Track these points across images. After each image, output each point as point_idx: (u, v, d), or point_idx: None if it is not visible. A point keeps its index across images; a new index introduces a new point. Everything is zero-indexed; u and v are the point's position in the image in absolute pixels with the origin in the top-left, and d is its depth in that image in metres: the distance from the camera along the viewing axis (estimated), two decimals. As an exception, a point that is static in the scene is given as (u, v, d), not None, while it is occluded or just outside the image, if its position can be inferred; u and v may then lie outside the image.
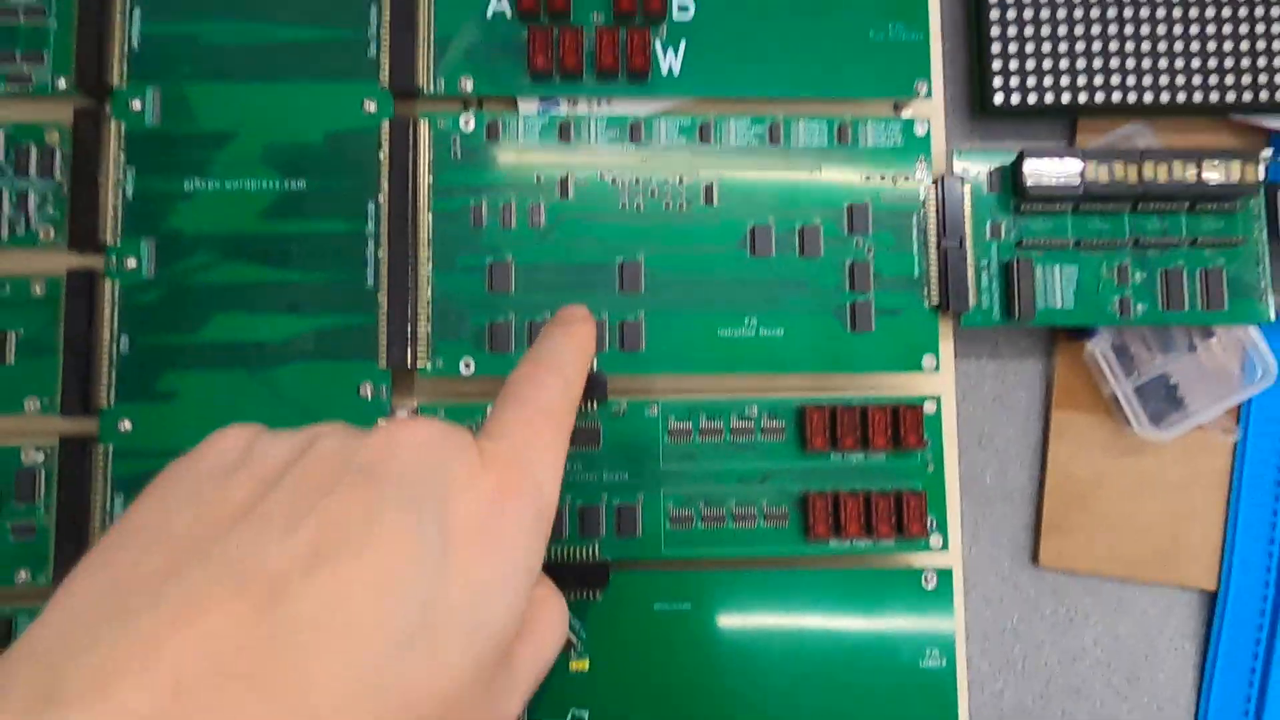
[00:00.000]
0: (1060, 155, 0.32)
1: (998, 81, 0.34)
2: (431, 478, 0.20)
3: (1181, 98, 0.35)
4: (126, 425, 0.30)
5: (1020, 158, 0.32)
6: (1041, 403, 0.36)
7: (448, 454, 0.20)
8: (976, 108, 0.36)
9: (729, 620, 0.31)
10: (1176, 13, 0.35)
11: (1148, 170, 0.33)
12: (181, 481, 0.20)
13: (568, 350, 0.25)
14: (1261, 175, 0.33)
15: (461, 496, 0.20)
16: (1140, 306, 0.33)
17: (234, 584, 0.17)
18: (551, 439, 0.23)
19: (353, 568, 0.18)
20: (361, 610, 0.18)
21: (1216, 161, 0.32)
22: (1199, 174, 0.33)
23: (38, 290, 0.31)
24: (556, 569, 0.28)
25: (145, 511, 0.19)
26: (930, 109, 0.34)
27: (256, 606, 0.17)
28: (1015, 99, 0.34)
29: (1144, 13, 0.34)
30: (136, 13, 0.32)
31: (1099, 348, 0.34)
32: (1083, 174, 0.32)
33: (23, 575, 0.30)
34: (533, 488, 0.21)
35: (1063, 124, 0.36)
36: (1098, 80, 0.34)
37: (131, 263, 0.31)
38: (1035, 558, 0.35)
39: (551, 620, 0.23)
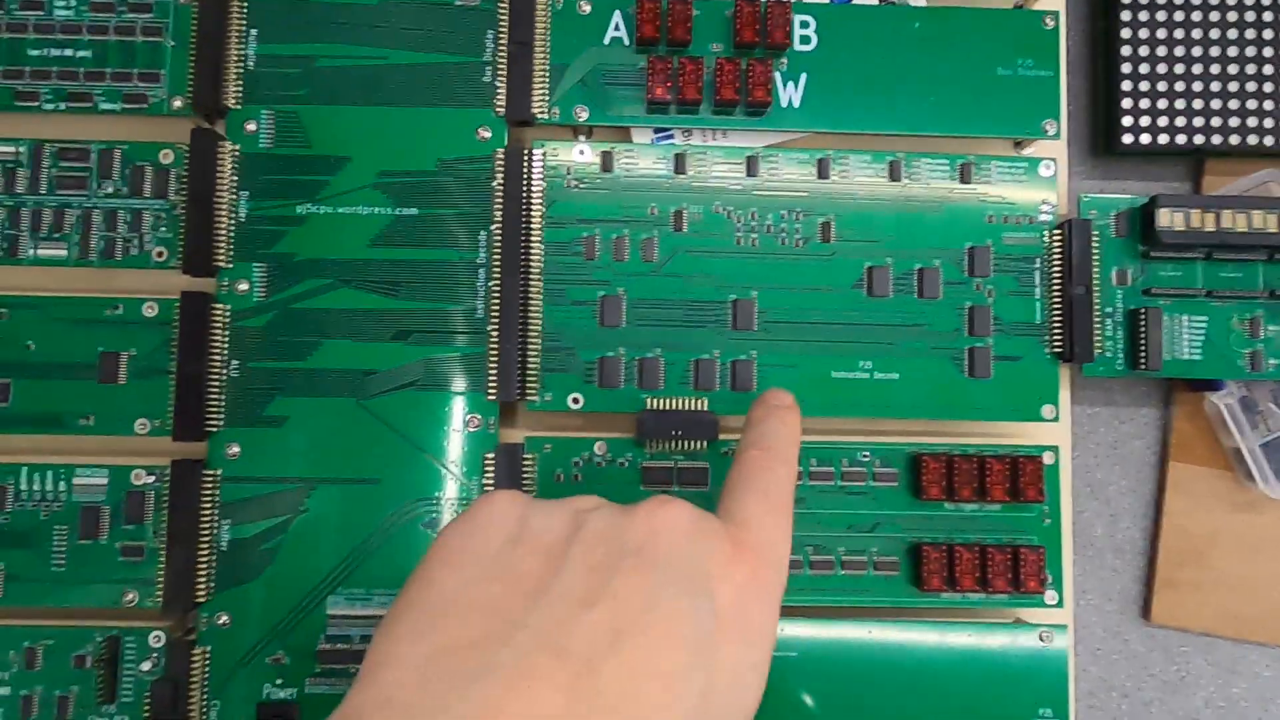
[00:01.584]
0: (1196, 204, 0.31)
1: (1127, 121, 0.33)
2: (696, 564, 0.21)
3: (1321, 142, 0.33)
4: (235, 450, 0.30)
5: (1153, 203, 0.31)
6: (1157, 454, 0.35)
7: (706, 541, 0.22)
8: (1101, 147, 0.34)
9: (836, 669, 0.30)
10: (1319, 53, 0.33)
11: (1288, 219, 0.31)
12: (467, 550, 0.21)
13: (789, 439, 0.26)
14: None
15: (724, 582, 0.21)
16: (1272, 361, 0.32)
17: (553, 653, 0.19)
18: (784, 526, 0.24)
19: (646, 647, 0.19)
20: (657, 690, 0.19)
21: (1361, 212, 0.31)
22: (1342, 225, 0.31)
23: (150, 311, 0.31)
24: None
25: (444, 579, 0.21)
26: (1055, 148, 0.33)
27: (574, 676, 0.18)
28: (1144, 139, 0.33)
29: (1277, 53, 0.33)
30: (253, 33, 0.32)
31: (1224, 401, 0.33)
32: (1219, 221, 0.31)
33: (130, 596, 0.30)
34: (775, 575, 0.23)
35: (1189, 164, 0.35)
36: (1231, 122, 0.33)
37: (243, 286, 0.31)
38: (1146, 614, 0.34)
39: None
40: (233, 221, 0.31)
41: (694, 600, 0.20)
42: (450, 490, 0.30)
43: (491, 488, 0.30)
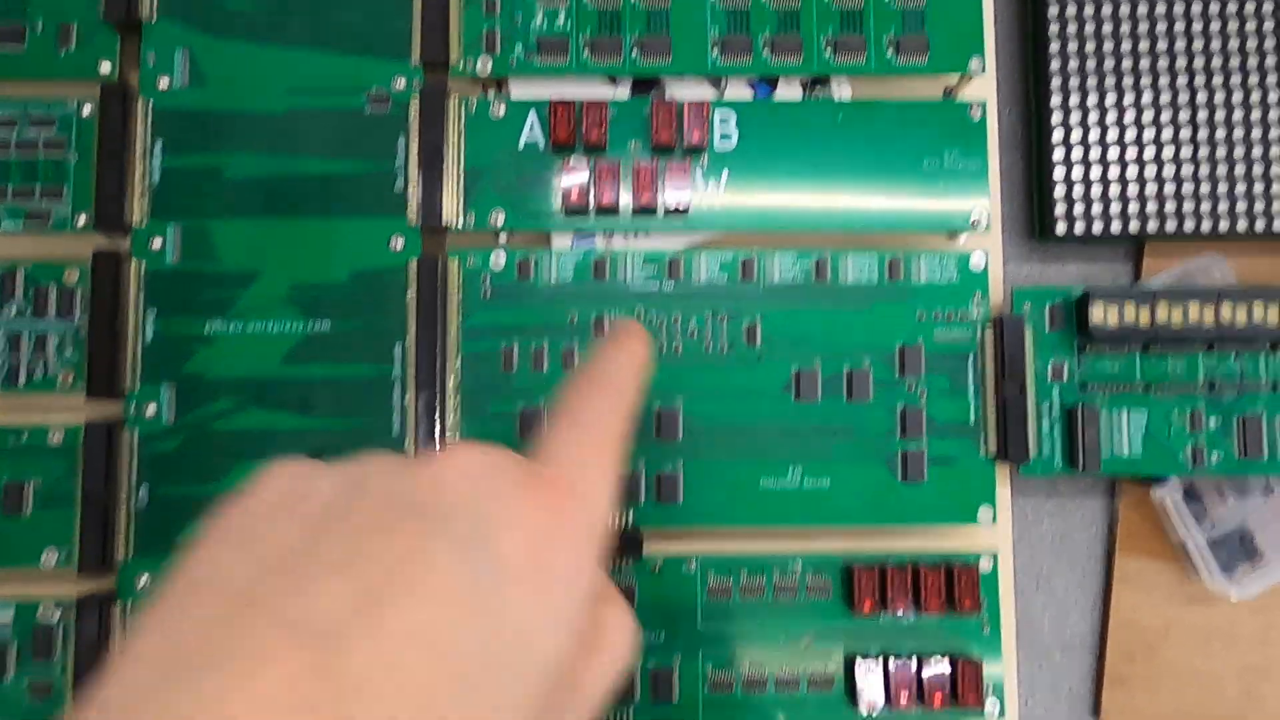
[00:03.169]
0: (1128, 296, 0.30)
1: (1060, 209, 0.32)
2: (481, 511, 0.19)
3: (1260, 225, 0.32)
4: (145, 580, 0.29)
5: (1085, 298, 0.30)
6: (1104, 545, 0.34)
7: (497, 485, 0.20)
8: (1036, 231, 0.34)
9: (770, 791, 0.29)
10: (1255, 133, 0.32)
11: (1225, 312, 0.30)
12: (232, 525, 0.19)
13: (622, 366, 0.24)
14: (1349, 316, 0.30)
15: (511, 529, 0.19)
16: (1215, 455, 0.31)
17: (290, 632, 0.17)
18: (604, 457, 0.22)
19: (405, 610, 0.17)
20: (416, 655, 0.17)
21: (1300, 302, 0.30)
22: (1281, 315, 0.30)
23: (56, 439, 0.30)
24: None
25: (197, 562, 0.19)
26: (987, 240, 0.32)
27: (314, 655, 0.16)
28: (1079, 227, 0.32)
29: (1218, 134, 0.32)
30: (158, 146, 0.31)
31: (1168, 495, 0.32)
32: (1154, 315, 0.30)
33: (39, 736, 0.29)
34: (584, 515, 0.21)
35: (1129, 247, 0.34)
36: (1168, 208, 0.32)
37: (151, 409, 0.30)
38: (1096, 712, 0.33)
39: (618, 638, 0.22)
40: (139, 342, 0.30)
41: (468, 551, 0.18)
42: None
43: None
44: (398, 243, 0.31)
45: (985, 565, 0.30)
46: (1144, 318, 0.30)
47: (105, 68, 0.31)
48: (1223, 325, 0.30)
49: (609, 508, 0.22)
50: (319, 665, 0.16)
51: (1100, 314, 0.30)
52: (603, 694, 0.22)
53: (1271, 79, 0.32)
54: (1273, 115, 0.32)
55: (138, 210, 0.31)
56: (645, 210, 0.31)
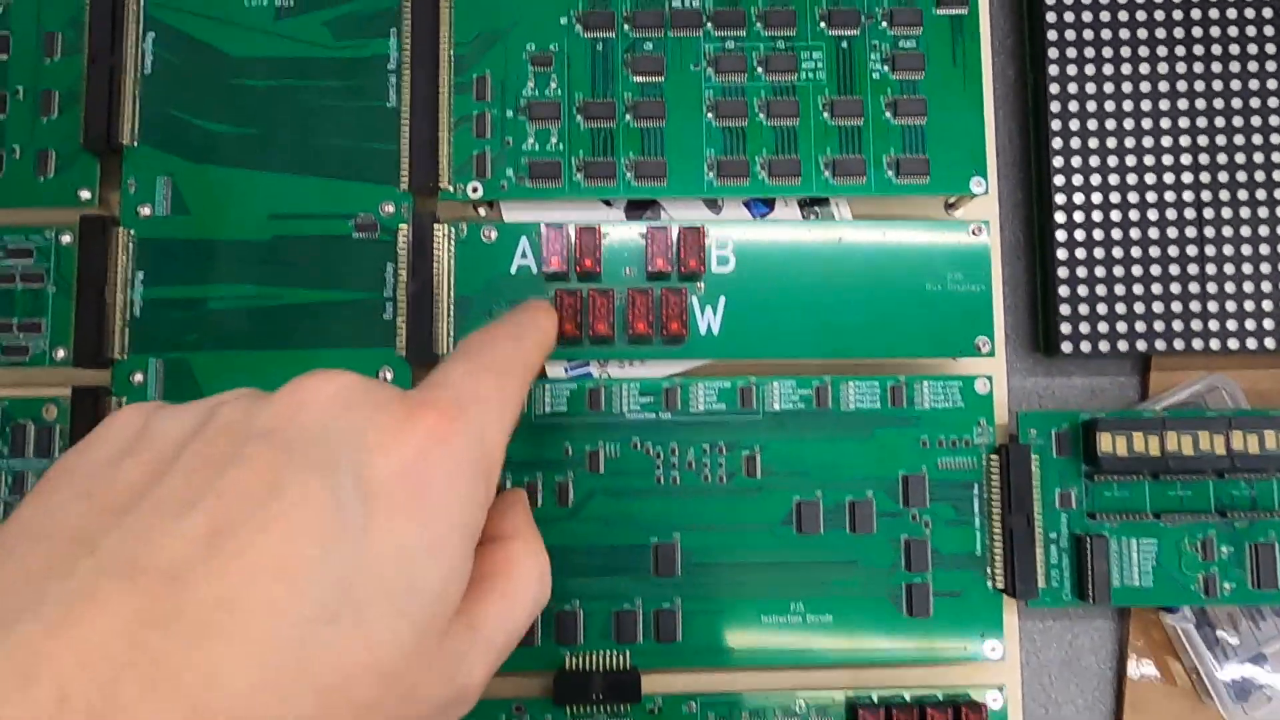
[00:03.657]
0: (1137, 427, 0.29)
1: (1065, 328, 0.32)
2: (345, 435, 0.18)
3: (1271, 343, 0.31)
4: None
5: (1093, 426, 0.30)
6: (1114, 670, 0.33)
7: (365, 408, 0.19)
8: (1041, 345, 0.33)
9: None
10: (1265, 249, 0.32)
11: (1236, 440, 0.30)
12: (73, 472, 0.18)
13: (526, 322, 0.24)
14: (1363, 443, 0.29)
15: (383, 452, 0.18)
16: (1228, 585, 0.30)
17: (124, 576, 0.16)
18: (497, 389, 0.21)
19: (257, 544, 0.16)
20: (269, 589, 0.16)
21: (1313, 430, 0.29)
22: (1293, 443, 0.30)
23: (34, 581, 0.29)
24: None
25: (32, 509, 0.18)
26: (991, 364, 0.31)
27: (151, 598, 0.15)
28: (1085, 346, 0.32)
29: (1226, 250, 0.32)
30: (139, 276, 0.30)
31: (1180, 625, 0.31)
32: (1163, 444, 0.30)
33: None
34: (469, 435, 0.19)
35: (1135, 359, 0.34)
36: (1175, 325, 0.32)
37: (132, 551, 0.29)
38: (1109, 842, 0.32)
39: (525, 577, 0.21)
40: (120, 480, 0.29)
41: (329, 478, 0.17)
42: None
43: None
44: (387, 374, 0.30)
45: (994, 702, 0.29)
46: (1154, 446, 0.30)
47: (85, 195, 0.30)
48: (1234, 453, 0.30)
49: (502, 435, 0.20)
50: (155, 609, 0.15)
51: (1109, 443, 0.30)
52: (507, 638, 0.21)
53: None
54: (1281, 231, 0.32)
55: (119, 343, 0.30)
56: (640, 338, 0.30)
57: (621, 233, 0.30)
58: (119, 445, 0.19)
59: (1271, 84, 0.32)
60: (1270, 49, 0.32)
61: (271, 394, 0.19)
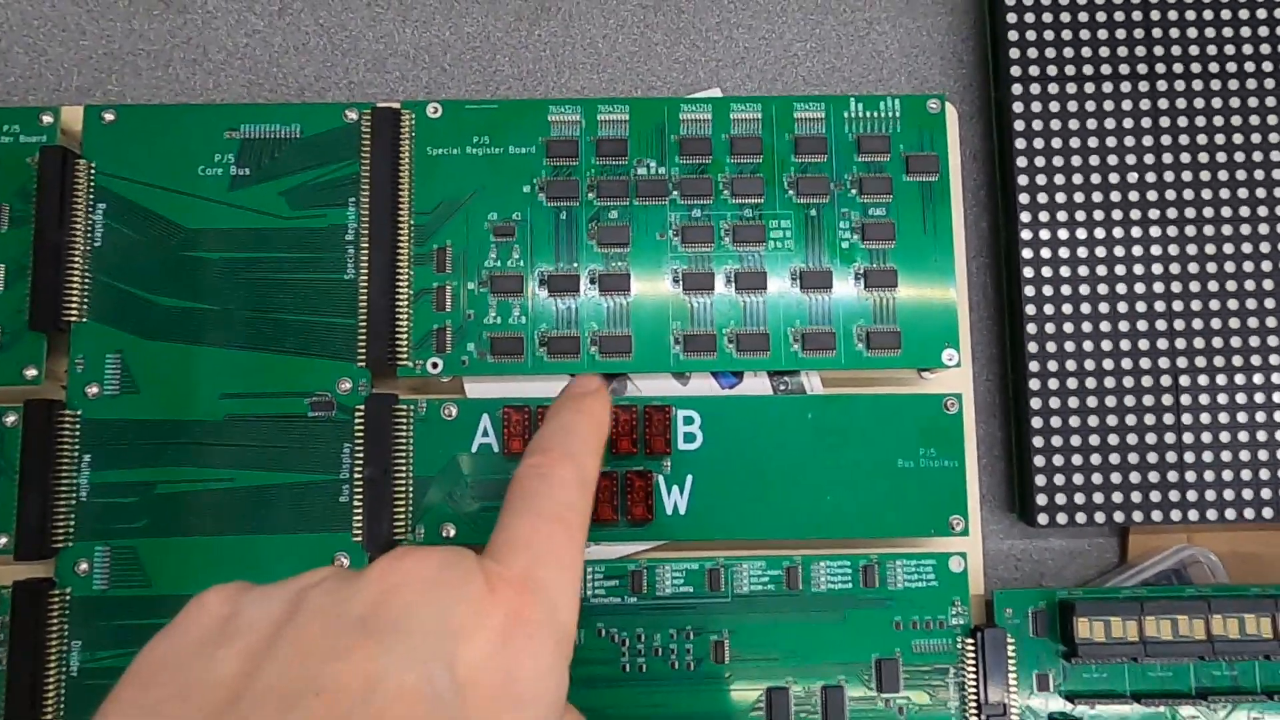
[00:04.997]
0: (1114, 611, 0.29)
1: (1042, 500, 0.31)
2: (433, 619, 0.18)
3: (1249, 513, 0.31)
4: None
5: (1071, 611, 0.29)
6: (1096, 845, 0.32)
7: (450, 590, 0.19)
8: (1018, 510, 0.32)
9: None
10: (1242, 417, 0.31)
11: (1216, 625, 0.29)
12: (165, 661, 0.18)
13: (579, 430, 0.22)
14: (1345, 625, 0.29)
15: (471, 638, 0.18)
16: (1209, 771, 0.29)
17: None
18: (565, 548, 0.20)
19: None
20: None
21: (1294, 612, 0.29)
22: (1275, 626, 0.29)
23: (-29, 785, 0.28)
24: None
25: (129, 703, 0.17)
26: (966, 542, 0.31)
27: None
28: (1061, 518, 0.31)
29: (1203, 419, 0.31)
30: (86, 460, 0.29)
31: (1162, 808, 0.30)
32: (1141, 629, 0.29)
33: None
34: (547, 613, 0.19)
35: (1113, 526, 0.33)
36: (1153, 496, 0.31)
37: (75, 754, 0.28)
38: None
39: None
40: (62, 677, 0.28)
41: (427, 667, 0.17)
42: None
43: None
44: (344, 560, 0.29)
45: None
46: (1132, 631, 0.29)
47: (31, 373, 0.29)
48: (1214, 638, 0.29)
49: (574, 603, 0.20)
50: None
51: (1086, 629, 0.29)
52: None
53: (1257, 375, 0.31)
54: (1258, 400, 0.31)
55: (64, 530, 0.29)
56: (606, 523, 0.29)
57: (585, 410, 0.30)
58: (209, 633, 0.18)
59: (1231, 248, 0.32)
60: (1226, 214, 0.32)
61: (357, 575, 0.19)
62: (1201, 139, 0.32)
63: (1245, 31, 0.33)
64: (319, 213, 0.30)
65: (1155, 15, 0.33)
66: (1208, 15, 0.33)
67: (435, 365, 0.30)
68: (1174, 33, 0.33)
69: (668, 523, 0.30)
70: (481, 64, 0.35)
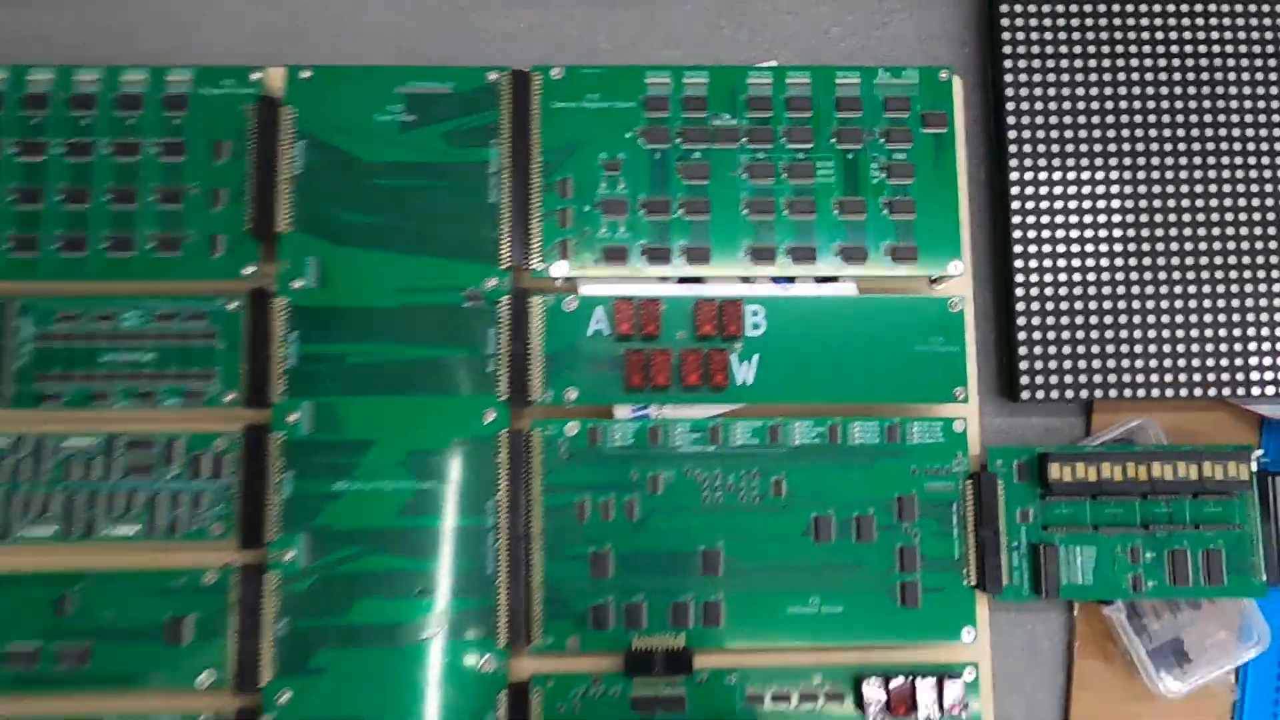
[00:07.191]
0: (1079, 458, 0.38)
1: (1024, 379, 0.40)
2: None
3: (1184, 393, 0.40)
4: (286, 697, 0.36)
5: (1045, 458, 0.38)
6: (1064, 651, 0.41)
7: None
8: (1007, 391, 0.41)
9: None
10: (1192, 304, 0.40)
11: (1155, 469, 0.38)
12: None
13: None
14: (1252, 472, 0.38)
15: None
16: (1151, 582, 0.38)
17: None
18: None
19: None
20: None
21: (1214, 461, 0.38)
22: (1199, 471, 0.38)
23: (209, 579, 0.36)
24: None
25: None
26: (966, 409, 0.40)
27: None
28: (1040, 394, 0.40)
29: (1159, 309, 0.40)
30: (294, 335, 0.38)
31: (1115, 615, 0.39)
32: (1099, 472, 0.38)
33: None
34: None
35: (1081, 404, 0.42)
36: (1121, 378, 0.40)
37: (289, 555, 0.37)
38: (1061, 792, 0.40)
39: None
40: (280, 498, 0.37)
41: None
42: (469, 723, 0.36)
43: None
44: (490, 416, 0.38)
45: (968, 675, 0.37)
46: (1092, 474, 0.38)
47: (248, 271, 0.38)
48: (1155, 480, 0.38)
49: None
50: None
51: (1057, 471, 0.38)
52: None
53: (1207, 270, 0.40)
54: (1206, 289, 0.40)
55: (276, 390, 0.37)
56: (691, 387, 0.38)
57: (676, 304, 0.38)
58: None
59: (1200, 174, 0.41)
60: (1194, 131, 0.41)
61: None
62: (1165, 90, 0.41)
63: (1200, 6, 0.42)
64: (469, 151, 0.39)
65: (1130, 7, 0.42)
66: (1170, 7, 0.42)
67: (560, 268, 0.38)
68: (1145, 21, 0.42)
69: (739, 390, 0.38)
70: (587, 39, 0.44)
